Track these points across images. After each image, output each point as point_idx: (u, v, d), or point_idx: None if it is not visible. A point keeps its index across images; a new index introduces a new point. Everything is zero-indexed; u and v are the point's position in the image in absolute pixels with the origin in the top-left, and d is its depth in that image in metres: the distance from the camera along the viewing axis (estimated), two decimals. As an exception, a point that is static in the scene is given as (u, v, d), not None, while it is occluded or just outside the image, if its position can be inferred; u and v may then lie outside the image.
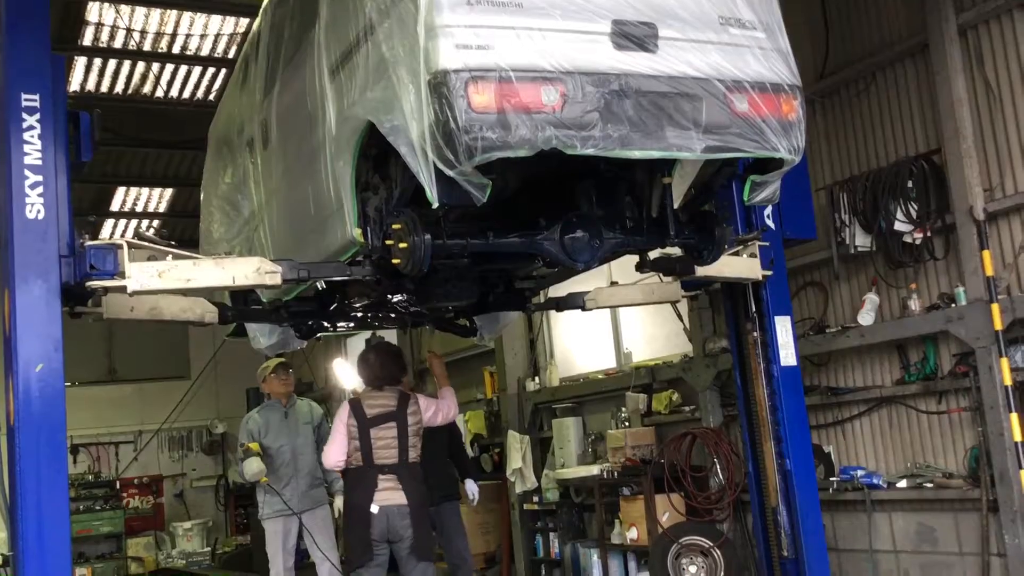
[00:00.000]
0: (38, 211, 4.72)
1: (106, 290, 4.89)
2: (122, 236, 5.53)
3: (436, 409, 6.48)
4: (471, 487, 7.84)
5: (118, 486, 16.76)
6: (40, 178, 4.75)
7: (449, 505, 7.62)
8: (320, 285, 6.09)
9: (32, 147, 4.76)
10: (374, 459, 6.09)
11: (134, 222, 16.19)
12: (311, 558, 7.59)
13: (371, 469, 6.09)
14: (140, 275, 4.74)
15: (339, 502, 7.69)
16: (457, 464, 7.94)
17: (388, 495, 6.05)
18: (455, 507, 7.76)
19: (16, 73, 4.81)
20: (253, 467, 7.21)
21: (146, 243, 4.92)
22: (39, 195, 4.73)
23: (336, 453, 6.22)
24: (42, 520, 4.59)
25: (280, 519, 7.42)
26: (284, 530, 7.43)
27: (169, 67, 11.68)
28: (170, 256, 4.87)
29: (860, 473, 7.35)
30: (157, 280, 4.76)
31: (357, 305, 6.37)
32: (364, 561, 6.02)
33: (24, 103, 4.77)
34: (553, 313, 10.28)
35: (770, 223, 6.62)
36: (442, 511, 7.52)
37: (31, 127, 4.77)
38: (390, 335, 11.38)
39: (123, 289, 4.78)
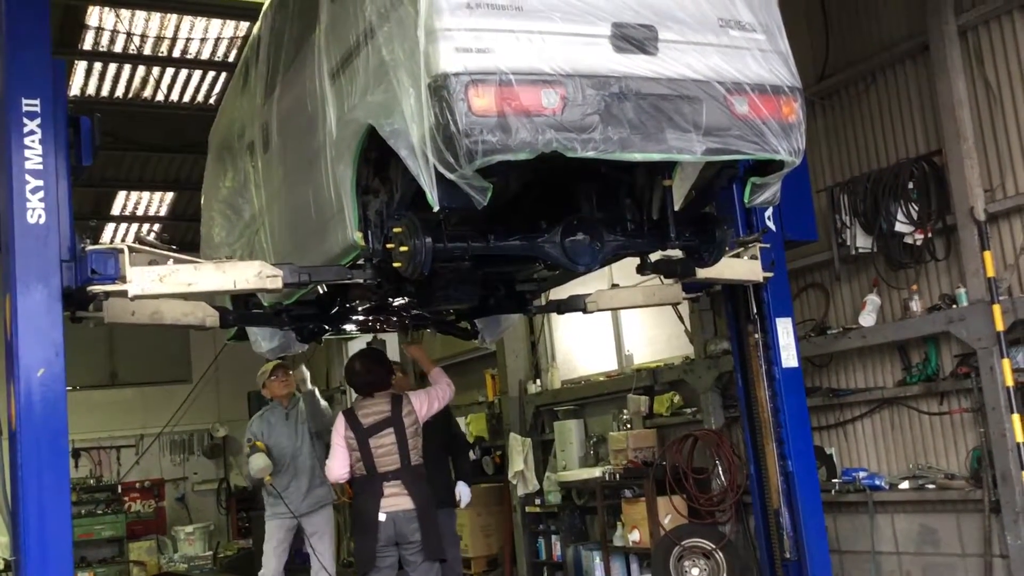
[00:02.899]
0: (39, 216, 4.73)
1: (107, 294, 4.90)
2: (123, 240, 5.54)
3: (430, 398, 6.39)
4: (461, 488, 7.71)
5: (120, 490, 16.73)
6: (41, 183, 4.77)
7: (444, 512, 7.37)
8: (321, 288, 6.08)
9: (33, 152, 4.77)
10: (377, 468, 6.07)
11: (135, 226, 16.21)
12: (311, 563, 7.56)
13: (375, 478, 6.06)
14: (141, 279, 4.74)
15: None
16: (455, 464, 7.87)
17: (394, 501, 6.03)
18: (451, 514, 7.62)
19: (17, 78, 4.82)
20: (259, 462, 7.18)
21: (147, 247, 4.92)
22: (40, 200, 4.74)
23: (339, 467, 6.20)
24: (44, 525, 4.60)
25: (280, 522, 7.42)
26: (281, 535, 7.43)
27: (169, 71, 11.69)
28: (171, 260, 4.87)
29: (862, 474, 7.35)
30: (158, 284, 4.76)
31: (358, 308, 6.37)
32: (371, 569, 6.01)
33: (25, 108, 4.78)
34: (554, 315, 10.29)
35: (771, 225, 6.62)
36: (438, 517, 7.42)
37: (32, 132, 4.78)
38: (391, 339, 11.37)
39: (124, 293, 4.78)
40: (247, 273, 4.87)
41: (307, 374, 7.55)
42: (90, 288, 4.78)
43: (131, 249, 4.80)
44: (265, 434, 7.51)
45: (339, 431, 6.20)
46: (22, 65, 4.84)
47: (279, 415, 7.65)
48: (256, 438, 7.45)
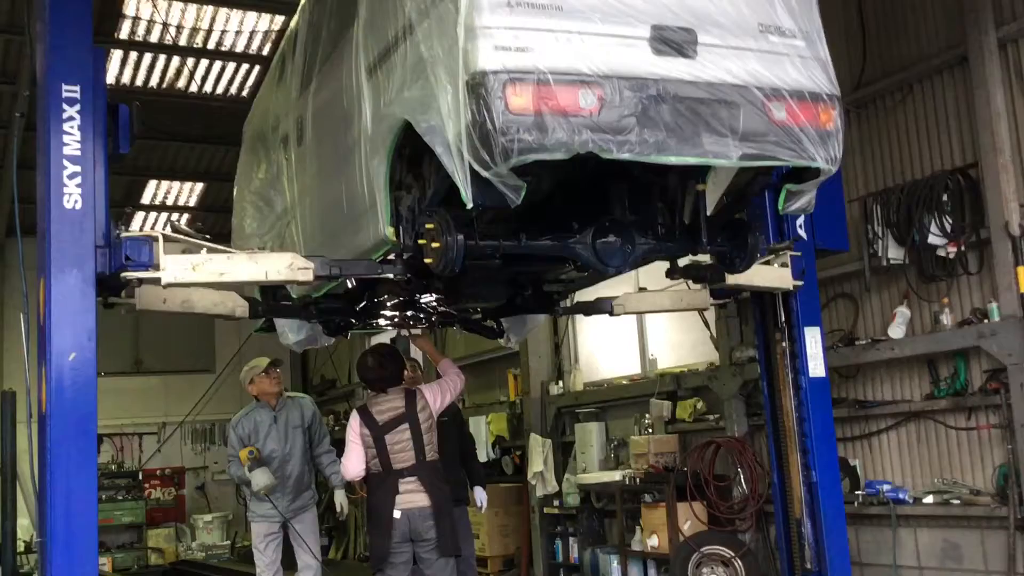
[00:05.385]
0: (76, 201, 4.77)
1: (140, 281, 4.93)
2: (152, 229, 5.55)
3: (442, 390, 6.34)
4: (479, 495, 7.71)
5: (141, 477, 16.89)
6: (78, 168, 4.81)
7: (457, 509, 7.25)
8: (350, 283, 6.10)
9: (71, 138, 4.81)
10: (392, 464, 6.04)
11: (164, 215, 16.36)
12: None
13: (391, 474, 6.04)
14: (174, 267, 4.78)
15: (339, 496, 7.41)
16: (467, 468, 7.85)
17: (410, 498, 6.00)
18: (463, 511, 7.59)
19: (58, 63, 4.87)
20: (263, 480, 6.91)
21: (181, 236, 4.96)
22: (77, 185, 4.78)
23: (355, 465, 6.16)
24: (70, 507, 4.66)
25: (265, 523, 7.29)
26: (267, 533, 7.29)
27: (204, 62, 11.80)
28: (204, 249, 4.90)
29: (886, 487, 7.30)
30: (191, 273, 4.79)
31: (386, 304, 6.38)
32: (385, 565, 6.02)
33: (65, 94, 4.83)
34: (579, 317, 10.27)
35: (802, 233, 6.58)
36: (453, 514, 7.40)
37: (71, 118, 4.82)
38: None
39: (157, 281, 4.82)
40: (279, 264, 4.89)
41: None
42: (124, 274, 4.82)
43: (165, 237, 4.84)
44: (252, 438, 7.22)
45: (354, 428, 6.15)
46: (63, 51, 4.88)
47: (266, 416, 7.33)
48: (244, 444, 7.16)
